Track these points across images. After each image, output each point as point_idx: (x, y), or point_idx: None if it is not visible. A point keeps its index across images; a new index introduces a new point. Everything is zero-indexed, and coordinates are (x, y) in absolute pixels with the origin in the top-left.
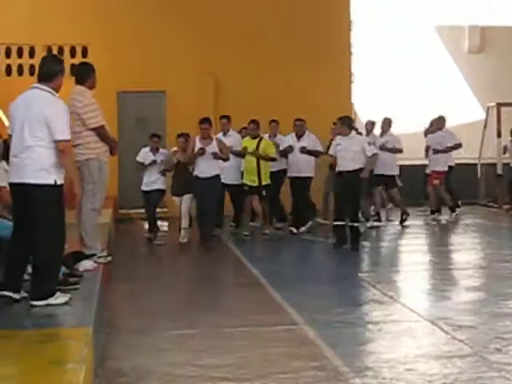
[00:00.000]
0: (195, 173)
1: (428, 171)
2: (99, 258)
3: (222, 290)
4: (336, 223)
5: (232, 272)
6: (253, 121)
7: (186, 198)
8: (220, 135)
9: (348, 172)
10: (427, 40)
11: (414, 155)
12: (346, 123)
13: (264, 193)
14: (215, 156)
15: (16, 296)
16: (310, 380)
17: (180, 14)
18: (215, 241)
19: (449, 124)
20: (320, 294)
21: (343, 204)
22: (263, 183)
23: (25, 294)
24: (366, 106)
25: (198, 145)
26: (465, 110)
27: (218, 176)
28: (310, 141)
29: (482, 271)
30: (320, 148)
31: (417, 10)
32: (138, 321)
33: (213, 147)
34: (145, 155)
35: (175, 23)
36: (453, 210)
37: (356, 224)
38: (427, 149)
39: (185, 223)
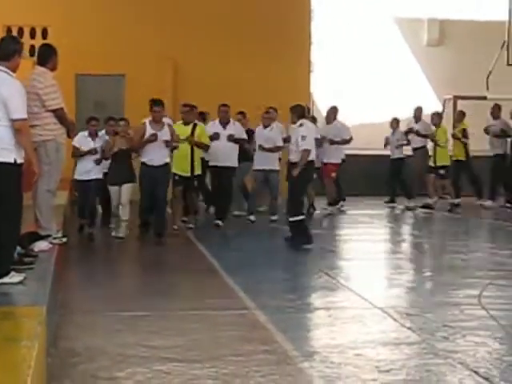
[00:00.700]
0: (143, 160)
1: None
2: (54, 238)
3: (176, 275)
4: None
5: (187, 258)
6: (186, 105)
7: (127, 187)
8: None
9: (291, 164)
10: (387, 32)
11: (371, 145)
12: (298, 112)
13: (196, 183)
14: (168, 144)
15: None
16: (260, 363)
17: None
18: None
19: (406, 115)
20: (272, 279)
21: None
22: (196, 173)
23: None
24: (324, 95)
25: (149, 129)
26: (422, 102)
27: (168, 164)
28: (235, 129)
29: (434, 261)
30: (245, 136)
31: (377, 2)
32: (92, 302)
33: (165, 132)
34: (82, 140)
35: (136, 7)
36: (336, 203)
37: (292, 219)
38: (322, 139)
39: (125, 214)
